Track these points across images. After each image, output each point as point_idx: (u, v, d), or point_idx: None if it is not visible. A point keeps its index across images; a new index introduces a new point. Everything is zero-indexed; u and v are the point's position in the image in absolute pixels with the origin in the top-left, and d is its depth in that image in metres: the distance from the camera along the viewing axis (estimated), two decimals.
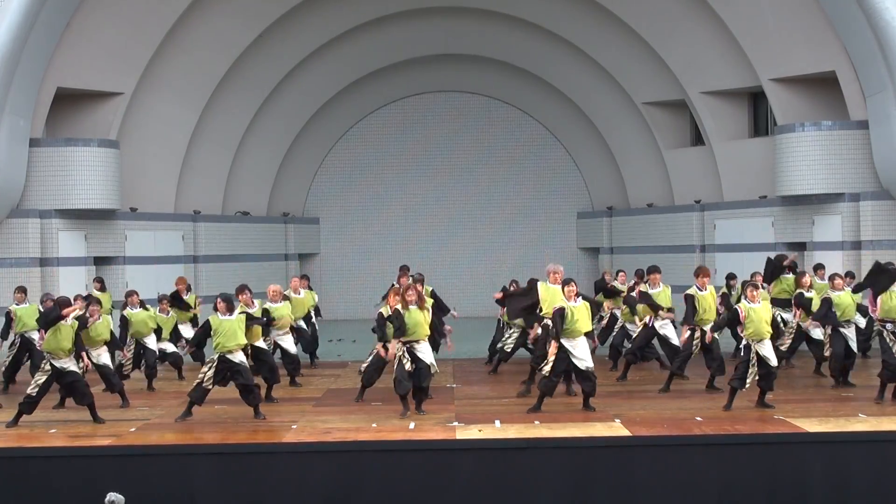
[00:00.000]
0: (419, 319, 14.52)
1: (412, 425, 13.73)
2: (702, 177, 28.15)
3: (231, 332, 14.37)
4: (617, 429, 13.28)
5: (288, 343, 17.95)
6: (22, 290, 18.47)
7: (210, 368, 14.36)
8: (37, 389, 14.16)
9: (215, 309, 14.57)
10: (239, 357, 14.46)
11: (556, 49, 29.40)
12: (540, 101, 32.21)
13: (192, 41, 26.04)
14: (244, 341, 14.59)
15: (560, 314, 14.42)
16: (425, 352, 14.57)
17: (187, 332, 19.35)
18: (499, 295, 18.08)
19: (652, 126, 29.21)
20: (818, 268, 19.60)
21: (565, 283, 14.85)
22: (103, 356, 15.62)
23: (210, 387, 14.37)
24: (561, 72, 30.43)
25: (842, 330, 16.60)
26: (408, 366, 14.38)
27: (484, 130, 33.05)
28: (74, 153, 23.79)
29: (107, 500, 12.17)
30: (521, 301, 16.46)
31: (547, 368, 14.57)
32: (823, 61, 23.92)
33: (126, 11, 24.32)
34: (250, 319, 14.90)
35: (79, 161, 23.78)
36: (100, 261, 24.89)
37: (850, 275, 19.13)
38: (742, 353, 14.85)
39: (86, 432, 13.72)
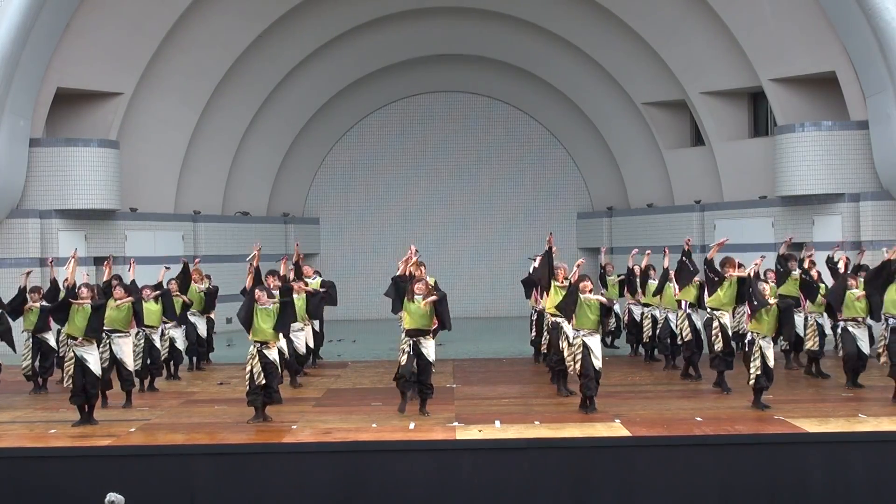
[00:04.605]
0: (424, 311, 14.63)
1: (412, 425, 13.73)
2: (702, 177, 28.15)
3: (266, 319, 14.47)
4: (617, 429, 13.28)
5: (300, 341, 18.02)
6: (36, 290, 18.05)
7: (252, 367, 14.33)
8: (69, 380, 14.30)
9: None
10: (273, 355, 14.49)
11: (557, 49, 29.40)
12: (540, 101, 32.21)
13: (192, 41, 26.04)
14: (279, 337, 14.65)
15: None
16: (429, 348, 14.68)
17: (200, 324, 19.90)
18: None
19: (652, 126, 29.21)
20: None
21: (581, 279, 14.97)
22: (125, 349, 15.75)
23: (262, 382, 14.31)
24: (561, 72, 30.43)
25: (851, 329, 16.51)
26: (404, 359, 14.51)
27: (484, 131, 33.04)
28: (74, 153, 23.79)
29: (107, 500, 12.18)
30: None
31: (578, 368, 14.58)
32: (823, 61, 23.92)
33: (126, 11, 24.32)
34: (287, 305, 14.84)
35: (79, 161, 23.78)
36: (100, 261, 24.87)
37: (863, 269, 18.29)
38: (746, 347, 14.90)
39: (86, 432, 13.73)
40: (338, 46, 29.06)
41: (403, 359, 14.53)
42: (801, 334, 18.23)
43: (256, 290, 14.55)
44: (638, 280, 20.25)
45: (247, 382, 14.42)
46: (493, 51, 30.59)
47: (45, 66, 23.21)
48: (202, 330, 20.35)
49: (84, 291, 14.47)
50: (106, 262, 16.68)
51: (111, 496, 12.19)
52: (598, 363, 14.59)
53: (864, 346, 16.55)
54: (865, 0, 21.59)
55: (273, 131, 30.37)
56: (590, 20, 27.71)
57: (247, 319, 14.38)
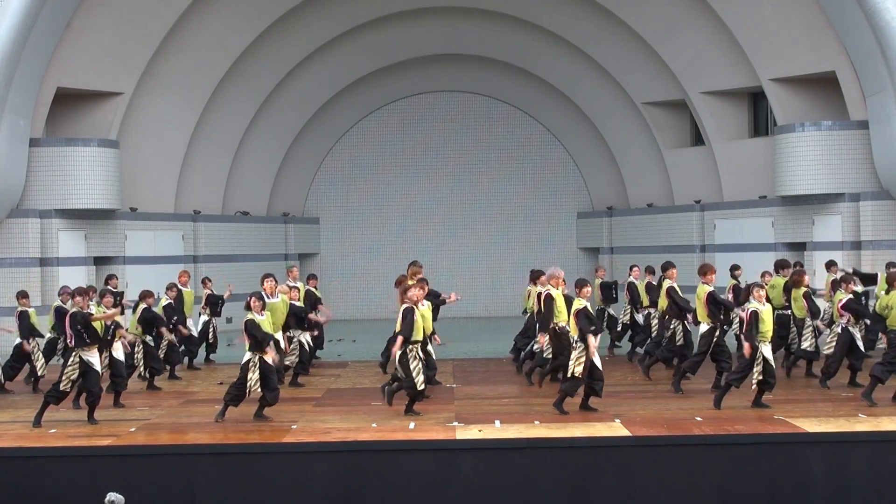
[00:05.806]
0: (428, 317, 15.01)
1: (412, 425, 13.73)
2: (702, 177, 28.15)
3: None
4: (617, 429, 13.28)
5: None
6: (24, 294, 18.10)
7: (251, 376, 14.23)
8: (69, 384, 14.24)
9: (248, 308, 14.45)
10: (269, 360, 14.40)
11: (557, 49, 29.40)
12: (540, 101, 32.21)
13: (192, 41, 26.04)
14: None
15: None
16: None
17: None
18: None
19: (652, 126, 29.21)
20: (831, 264, 19.47)
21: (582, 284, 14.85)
22: (118, 351, 15.65)
23: (256, 389, 14.24)
24: (561, 72, 30.43)
25: (850, 328, 16.45)
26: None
27: (484, 130, 33.04)
28: (74, 153, 23.78)
29: (107, 500, 12.18)
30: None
31: (578, 370, 14.45)
32: (823, 61, 23.92)
33: (126, 11, 24.32)
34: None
35: (79, 161, 23.77)
36: (100, 261, 24.89)
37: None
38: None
39: (86, 432, 13.73)
40: (338, 46, 29.07)
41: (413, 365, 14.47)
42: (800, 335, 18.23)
43: (252, 300, 14.52)
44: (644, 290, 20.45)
45: (236, 387, 14.32)
46: (493, 51, 30.59)
47: (46, 65, 23.20)
48: (193, 331, 20.38)
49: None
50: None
51: (111, 496, 12.19)
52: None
53: (861, 345, 16.54)
54: (865, 0, 21.59)
55: (273, 131, 30.37)
56: (589, 20, 27.71)
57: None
